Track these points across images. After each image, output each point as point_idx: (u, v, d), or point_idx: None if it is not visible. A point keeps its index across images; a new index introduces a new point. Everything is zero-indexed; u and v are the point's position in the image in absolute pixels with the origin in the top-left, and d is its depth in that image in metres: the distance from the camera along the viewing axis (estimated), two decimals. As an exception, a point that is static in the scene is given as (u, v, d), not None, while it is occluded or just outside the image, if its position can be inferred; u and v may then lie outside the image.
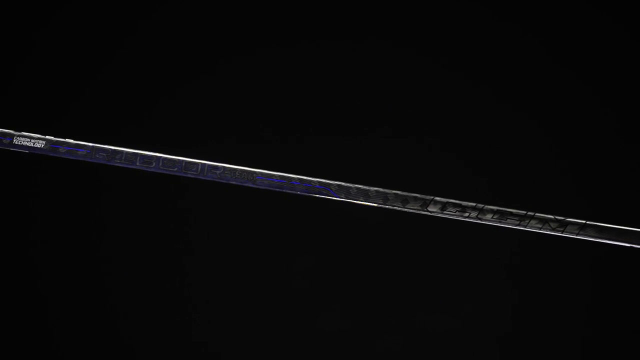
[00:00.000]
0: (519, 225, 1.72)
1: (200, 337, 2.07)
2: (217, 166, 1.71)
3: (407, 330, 2.06)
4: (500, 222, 1.72)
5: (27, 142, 1.69)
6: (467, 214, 1.72)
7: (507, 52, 2.07)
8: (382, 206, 1.71)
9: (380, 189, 1.72)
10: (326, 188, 1.72)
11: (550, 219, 1.71)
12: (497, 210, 1.72)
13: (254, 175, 1.72)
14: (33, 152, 1.69)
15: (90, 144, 1.71)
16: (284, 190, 1.71)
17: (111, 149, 1.71)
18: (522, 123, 2.05)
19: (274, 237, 2.08)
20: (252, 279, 2.08)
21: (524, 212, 1.71)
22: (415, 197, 1.72)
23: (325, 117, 2.08)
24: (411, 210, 1.72)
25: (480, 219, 1.72)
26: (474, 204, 1.72)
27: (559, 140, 2.05)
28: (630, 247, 1.71)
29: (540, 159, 2.05)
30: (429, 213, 1.72)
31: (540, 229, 1.72)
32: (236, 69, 2.08)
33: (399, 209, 1.72)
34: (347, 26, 2.08)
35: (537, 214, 1.71)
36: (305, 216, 2.06)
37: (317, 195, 1.71)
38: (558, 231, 1.71)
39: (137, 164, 1.71)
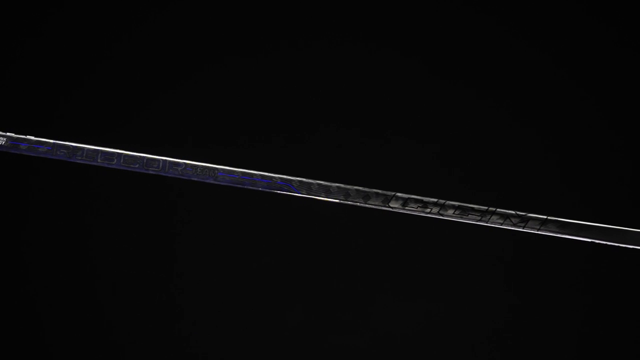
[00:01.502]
0: (480, 220, 1.72)
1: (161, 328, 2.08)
2: (178, 162, 1.71)
3: (377, 330, 2.06)
4: (461, 218, 1.72)
5: (-12, 139, 1.69)
6: (428, 210, 1.72)
7: (473, 43, 2.07)
8: (344, 202, 1.71)
9: (342, 185, 1.72)
10: (287, 184, 1.72)
11: (512, 214, 1.72)
12: (459, 206, 1.72)
13: (215, 171, 1.72)
14: (-5, 150, 1.69)
15: (52, 141, 1.70)
16: (245, 187, 1.71)
17: (72, 146, 1.70)
18: (492, 116, 2.06)
19: (241, 234, 2.08)
20: (218, 276, 2.08)
21: (485, 207, 1.72)
22: (377, 193, 1.72)
23: (294, 116, 2.08)
24: (373, 206, 1.72)
25: (441, 214, 1.72)
26: (435, 200, 1.72)
27: (529, 132, 2.06)
28: (591, 242, 1.71)
29: (510, 152, 2.06)
30: (390, 209, 1.72)
31: (501, 224, 1.72)
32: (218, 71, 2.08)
33: (361, 204, 1.72)
34: (324, 27, 2.09)
35: (498, 210, 1.71)
36: (273, 212, 2.06)
37: (279, 192, 1.71)
38: (519, 226, 1.72)
39: (98, 160, 1.71)
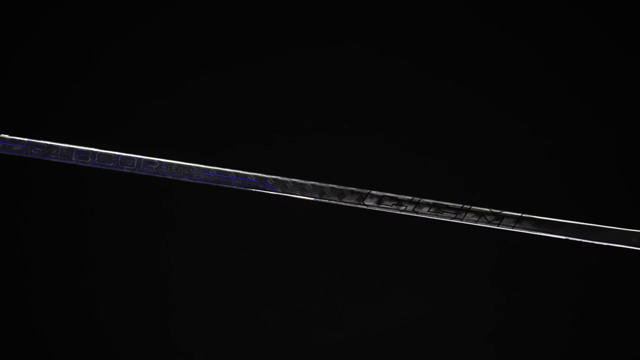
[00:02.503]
0: (455, 218, 1.72)
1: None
2: (152, 161, 1.71)
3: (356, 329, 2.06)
4: (436, 216, 1.72)
5: (-37, 138, 1.69)
6: (403, 208, 1.72)
7: (450, 35, 2.07)
8: (319, 200, 1.72)
9: (317, 183, 1.72)
10: (262, 182, 1.72)
11: (486, 212, 1.72)
12: (434, 203, 1.72)
13: (190, 169, 1.72)
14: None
15: (26, 139, 1.71)
16: (220, 185, 1.72)
17: (46, 144, 1.71)
18: (471, 111, 2.06)
19: (220, 232, 2.08)
20: (195, 274, 2.08)
21: (460, 205, 1.72)
22: (352, 191, 1.72)
23: (270, 114, 2.08)
24: (348, 204, 1.72)
25: (416, 212, 1.72)
26: (410, 198, 1.72)
27: (511, 128, 2.06)
28: (566, 239, 1.71)
29: (492, 149, 2.06)
30: (365, 207, 1.73)
31: (476, 222, 1.72)
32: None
33: (336, 202, 1.72)
34: (302, 26, 2.09)
35: (473, 207, 1.72)
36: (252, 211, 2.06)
37: (253, 190, 1.72)
38: (494, 224, 1.72)
39: (73, 159, 1.71)
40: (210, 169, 1.72)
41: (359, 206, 1.72)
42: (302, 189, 1.72)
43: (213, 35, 2.09)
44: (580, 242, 1.71)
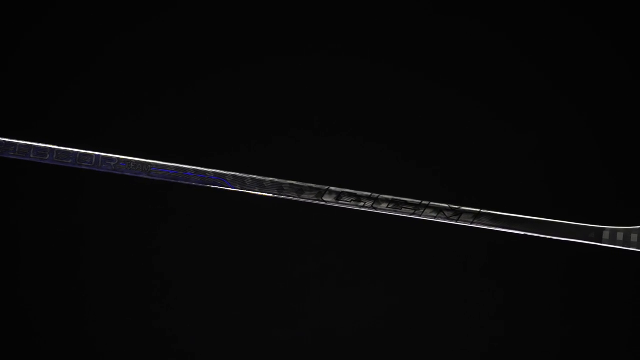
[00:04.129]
0: (414, 214, 1.72)
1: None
2: (111, 157, 1.71)
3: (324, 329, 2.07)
4: (395, 212, 1.72)
5: None
6: (362, 204, 1.73)
7: (417, 29, 2.07)
8: (278, 196, 1.72)
9: (275, 179, 1.72)
10: (221, 179, 1.72)
11: (445, 207, 1.72)
12: (392, 199, 1.72)
13: (149, 166, 1.72)
14: None
15: (-17, 138, 1.71)
16: (178, 182, 1.72)
17: (4, 142, 1.70)
18: (434, 108, 2.06)
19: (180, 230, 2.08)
20: (153, 273, 2.09)
21: (419, 201, 1.72)
22: (311, 187, 1.72)
23: (230, 112, 2.08)
24: (306, 201, 1.72)
25: (375, 208, 1.73)
26: (368, 194, 1.72)
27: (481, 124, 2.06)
28: (524, 235, 1.72)
29: (446, 144, 2.06)
30: (324, 203, 1.73)
31: (435, 217, 1.72)
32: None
33: (295, 199, 1.72)
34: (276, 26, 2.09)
35: (431, 203, 1.72)
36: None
37: (212, 186, 1.72)
38: (453, 220, 1.72)
39: (31, 156, 1.70)
40: (168, 166, 1.72)
41: (318, 202, 1.72)
42: (261, 186, 1.72)
43: (195, 40, 2.08)
44: (539, 237, 1.71)
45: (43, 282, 2.08)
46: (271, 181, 1.72)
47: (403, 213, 1.72)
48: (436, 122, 2.06)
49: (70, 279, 2.09)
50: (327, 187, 1.72)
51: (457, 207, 1.72)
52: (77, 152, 1.71)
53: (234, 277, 2.08)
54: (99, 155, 1.71)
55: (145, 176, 1.72)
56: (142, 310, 2.08)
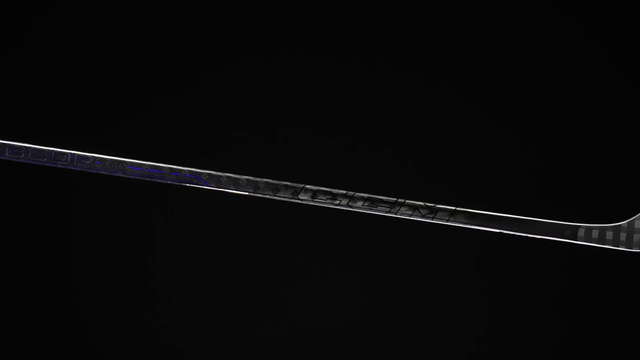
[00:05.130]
0: (389, 212, 1.73)
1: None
2: (86, 156, 1.71)
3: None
4: (370, 210, 1.73)
5: None
6: (337, 202, 1.73)
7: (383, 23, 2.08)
8: (253, 195, 1.72)
9: (251, 178, 1.72)
10: (196, 177, 1.72)
11: (420, 205, 1.72)
12: (368, 197, 1.73)
13: (124, 165, 1.72)
14: None
15: (-41, 137, 1.71)
16: (154, 180, 1.72)
17: (-21, 141, 1.71)
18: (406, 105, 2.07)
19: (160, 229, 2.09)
20: (129, 272, 2.09)
21: (394, 199, 1.72)
22: (286, 186, 1.73)
23: (207, 110, 2.09)
24: (282, 199, 1.72)
25: (350, 206, 1.73)
26: (344, 192, 1.73)
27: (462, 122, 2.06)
28: (499, 232, 1.72)
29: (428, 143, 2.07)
30: (299, 201, 1.73)
31: (410, 215, 1.73)
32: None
33: (270, 197, 1.72)
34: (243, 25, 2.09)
35: (407, 201, 1.72)
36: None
37: (188, 185, 1.72)
38: (428, 217, 1.73)
39: (6, 154, 1.71)
40: (144, 164, 1.72)
41: (294, 200, 1.73)
42: (237, 184, 1.72)
43: (180, 42, 2.09)
44: (514, 235, 1.72)
45: (40, 282, 2.08)
46: (247, 179, 1.72)
47: (378, 211, 1.73)
48: (413, 119, 2.06)
49: (56, 280, 2.09)
50: (302, 186, 1.73)
51: (432, 205, 1.72)
52: (52, 150, 1.71)
53: (212, 276, 2.08)
54: (74, 154, 1.72)
55: (121, 175, 1.72)
56: (124, 307, 2.09)
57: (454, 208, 1.72)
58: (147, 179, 1.72)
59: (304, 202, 1.73)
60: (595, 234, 1.71)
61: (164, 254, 2.08)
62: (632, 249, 1.71)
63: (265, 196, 1.72)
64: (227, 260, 2.08)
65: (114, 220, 2.07)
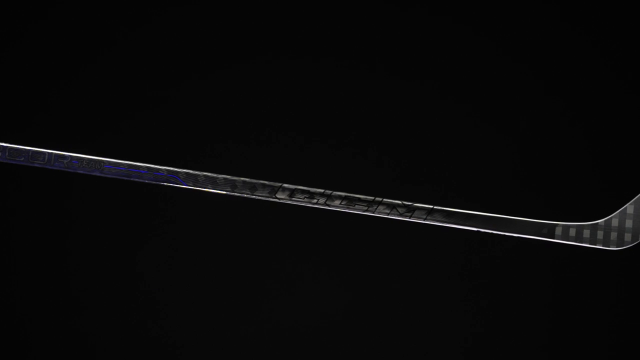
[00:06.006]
0: (367, 210, 1.73)
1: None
2: (63, 155, 1.71)
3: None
4: (348, 208, 1.73)
5: None
6: (315, 200, 1.73)
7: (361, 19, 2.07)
8: (231, 193, 1.72)
9: (229, 177, 1.72)
10: (174, 176, 1.72)
11: (398, 204, 1.72)
12: (345, 196, 1.73)
13: (102, 164, 1.72)
14: None
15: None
16: (132, 179, 1.72)
17: (-45, 140, 1.71)
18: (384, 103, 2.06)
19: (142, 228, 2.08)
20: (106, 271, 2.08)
21: (372, 197, 1.72)
22: (264, 184, 1.72)
23: (185, 108, 2.08)
24: (260, 198, 1.72)
25: (328, 205, 1.73)
26: (321, 191, 1.72)
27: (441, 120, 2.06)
28: (477, 231, 1.72)
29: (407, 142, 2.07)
30: (277, 200, 1.73)
31: (388, 214, 1.72)
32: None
33: (248, 196, 1.72)
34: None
35: (384, 200, 1.72)
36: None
37: (165, 184, 1.72)
38: (406, 216, 1.72)
39: (-17, 154, 1.71)
40: (121, 163, 1.72)
41: (271, 199, 1.73)
42: (214, 183, 1.72)
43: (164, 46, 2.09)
44: (492, 233, 1.72)
45: (36, 282, 2.08)
46: (224, 178, 1.72)
47: (356, 210, 1.72)
48: (391, 118, 2.06)
49: (45, 282, 2.09)
50: (280, 184, 1.73)
51: (410, 203, 1.72)
52: (30, 149, 1.71)
53: (194, 275, 2.08)
54: (51, 153, 1.71)
55: (98, 174, 1.71)
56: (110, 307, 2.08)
57: (431, 207, 1.72)
58: (125, 178, 1.71)
59: (281, 201, 1.73)
60: (572, 232, 1.71)
61: (146, 254, 2.08)
62: (609, 247, 1.71)
63: (242, 195, 1.72)
64: (204, 259, 2.08)
65: (96, 221, 2.07)
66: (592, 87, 2.03)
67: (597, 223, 1.71)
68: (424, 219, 1.72)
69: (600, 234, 1.71)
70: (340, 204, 1.73)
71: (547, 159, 2.04)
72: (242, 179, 1.72)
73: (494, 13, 2.05)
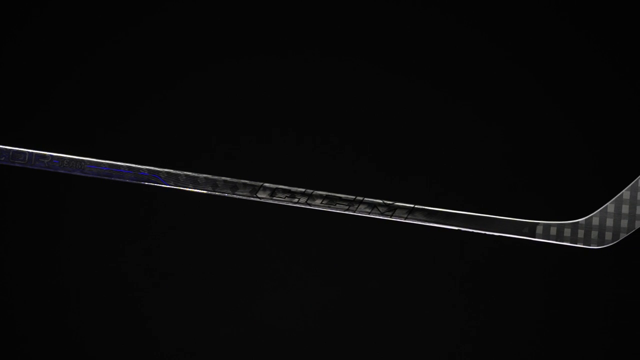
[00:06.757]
0: (348, 210, 1.73)
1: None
2: (44, 155, 1.71)
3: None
4: (329, 208, 1.73)
5: None
6: (296, 200, 1.73)
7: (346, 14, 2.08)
8: (212, 193, 1.72)
9: (210, 176, 1.72)
10: (155, 175, 1.72)
11: (379, 203, 1.72)
12: (326, 195, 1.73)
13: (83, 163, 1.72)
14: None
15: None
16: (112, 179, 1.72)
17: (-64, 140, 1.71)
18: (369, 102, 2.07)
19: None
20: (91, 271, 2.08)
21: (353, 197, 1.72)
22: (245, 184, 1.72)
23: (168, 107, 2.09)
24: (241, 197, 1.72)
25: (309, 204, 1.73)
26: (302, 190, 1.72)
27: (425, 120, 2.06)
28: (458, 230, 1.72)
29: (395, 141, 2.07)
30: (258, 199, 1.73)
31: (369, 213, 1.73)
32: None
33: (229, 195, 1.72)
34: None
35: (365, 199, 1.72)
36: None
37: (146, 183, 1.72)
38: (387, 215, 1.73)
39: (-36, 154, 1.70)
40: (102, 163, 1.72)
41: (252, 199, 1.73)
42: (195, 182, 1.72)
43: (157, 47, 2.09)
44: (473, 232, 1.72)
45: (32, 283, 2.08)
46: (205, 178, 1.72)
47: (337, 209, 1.73)
48: (373, 117, 2.06)
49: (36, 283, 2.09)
50: (261, 184, 1.73)
51: (390, 202, 1.72)
52: (10, 149, 1.71)
53: (179, 276, 2.08)
54: (31, 153, 1.71)
55: (79, 173, 1.71)
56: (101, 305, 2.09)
57: (412, 206, 1.72)
58: (106, 177, 1.71)
59: (262, 200, 1.73)
60: (553, 231, 1.71)
61: (133, 254, 2.08)
62: (589, 245, 1.71)
63: (224, 194, 1.72)
64: (187, 259, 2.08)
65: (80, 220, 2.08)
66: (588, 87, 2.03)
67: (578, 222, 1.71)
68: (405, 218, 1.72)
69: (581, 233, 1.71)
70: (321, 203, 1.73)
71: (532, 157, 2.04)
72: (223, 178, 1.72)
73: (487, 10, 2.05)
